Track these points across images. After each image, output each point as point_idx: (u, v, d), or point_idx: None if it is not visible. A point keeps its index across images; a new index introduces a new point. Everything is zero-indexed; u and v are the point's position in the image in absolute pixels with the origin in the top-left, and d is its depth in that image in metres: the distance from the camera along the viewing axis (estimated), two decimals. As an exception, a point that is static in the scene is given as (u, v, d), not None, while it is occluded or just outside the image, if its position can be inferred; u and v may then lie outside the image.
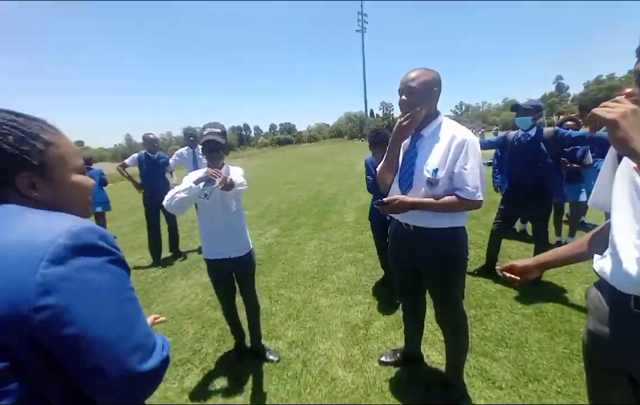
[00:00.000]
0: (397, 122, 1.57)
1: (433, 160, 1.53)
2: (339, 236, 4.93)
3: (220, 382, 2.14)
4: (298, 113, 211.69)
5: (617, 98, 0.75)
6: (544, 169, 2.92)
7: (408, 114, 1.51)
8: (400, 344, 2.27)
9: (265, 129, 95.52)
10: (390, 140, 1.64)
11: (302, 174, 13.59)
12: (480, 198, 1.52)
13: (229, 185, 1.80)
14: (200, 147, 2.01)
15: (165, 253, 4.63)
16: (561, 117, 7.01)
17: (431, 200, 1.53)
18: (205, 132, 1.94)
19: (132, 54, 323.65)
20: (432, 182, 1.53)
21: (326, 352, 2.32)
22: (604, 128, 0.74)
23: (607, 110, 0.73)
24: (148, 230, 4.51)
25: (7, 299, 0.47)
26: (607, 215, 0.94)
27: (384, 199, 1.61)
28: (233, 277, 2.17)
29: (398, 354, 2.17)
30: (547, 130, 2.98)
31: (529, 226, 4.10)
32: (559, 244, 3.95)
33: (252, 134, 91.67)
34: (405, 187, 1.62)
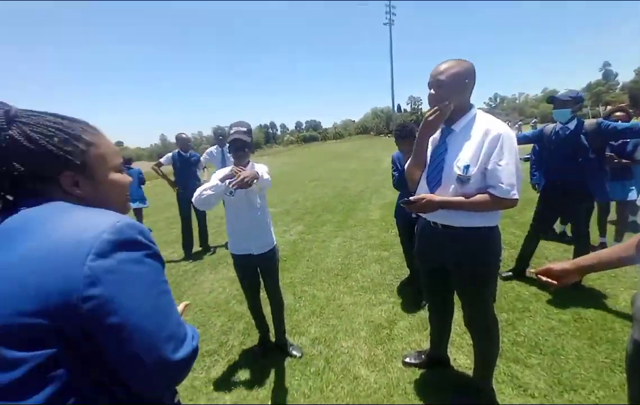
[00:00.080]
0: (424, 117, 1.52)
1: (464, 156, 1.46)
2: (364, 234, 4.88)
3: (245, 374, 2.20)
4: (324, 110, 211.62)
5: None
6: (584, 164, 2.69)
7: (435, 108, 1.46)
8: (426, 345, 2.21)
9: (291, 126, 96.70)
10: (417, 135, 1.59)
11: (328, 171, 13.59)
12: (516, 196, 1.42)
13: (245, 184, 1.82)
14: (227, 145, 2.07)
15: (196, 248, 4.84)
16: (608, 107, 6.43)
17: (461, 199, 1.46)
18: (231, 131, 2.00)
19: (168, 59, 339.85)
20: (462, 179, 1.46)
21: (349, 350, 2.31)
22: None
23: None
24: (181, 226, 4.73)
25: (60, 289, 0.50)
26: None
27: (411, 198, 1.56)
28: (258, 272, 2.22)
29: (423, 356, 2.12)
30: (589, 122, 2.73)
31: (568, 226, 3.82)
32: (602, 246, 3.64)
33: (279, 132, 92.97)
34: (434, 184, 1.56)
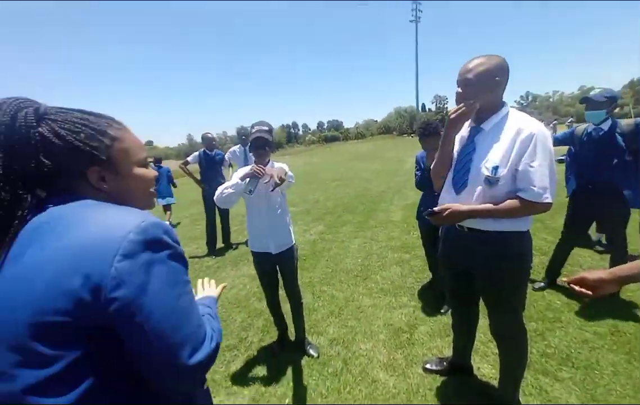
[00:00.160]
0: (448, 115, 1.47)
1: (494, 157, 1.38)
2: (385, 235, 4.80)
3: (263, 371, 2.22)
4: (346, 110, 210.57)
5: None
6: (619, 167, 2.49)
7: (459, 106, 1.40)
8: (448, 352, 2.14)
9: (313, 126, 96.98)
10: (442, 134, 1.54)
11: (349, 171, 13.51)
12: (548, 200, 1.33)
13: (280, 179, 1.82)
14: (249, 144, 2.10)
15: (219, 244, 4.97)
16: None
17: (489, 206, 1.39)
18: (253, 130, 2.03)
19: (194, 62, 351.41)
20: (491, 181, 1.38)
21: (367, 353, 2.28)
22: None
23: None
24: (206, 223, 4.87)
25: (90, 288, 0.52)
26: None
27: (435, 208, 1.50)
28: (276, 270, 2.24)
29: (445, 363, 2.04)
30: (626, 121, 2.52)
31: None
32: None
33: (300, 132, 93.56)
34: (459, 185, 1.49)
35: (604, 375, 1.91)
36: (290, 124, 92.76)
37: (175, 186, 6.80)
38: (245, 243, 5.05)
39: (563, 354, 2.11)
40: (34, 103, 0.61)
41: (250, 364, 2.30)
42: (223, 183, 2.09)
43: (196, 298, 0.92)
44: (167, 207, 6.58)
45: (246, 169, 1.96)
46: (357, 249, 4.36)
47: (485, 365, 2.06)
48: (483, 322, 1.85)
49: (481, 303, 1.70)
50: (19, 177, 0.57)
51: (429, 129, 2.43)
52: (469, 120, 1.51)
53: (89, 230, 0.55)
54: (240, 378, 2.18)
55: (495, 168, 1.37)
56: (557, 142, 3.11)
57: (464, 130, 1.56)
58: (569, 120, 21.45)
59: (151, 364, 0.57)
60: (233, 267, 4.19)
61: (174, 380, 0.59)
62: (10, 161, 0.57)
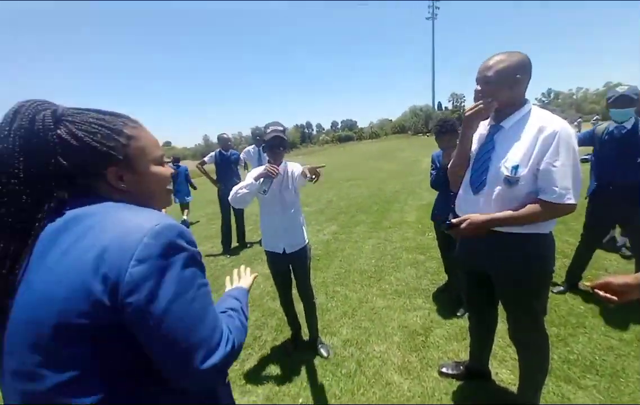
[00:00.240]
0: (465, 113, 1.43)
1: (514, 156, 1.34)
2: (399, 236, 4.74)
3: (276, 370, 2.24)
4: (360, 109, 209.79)
5: None
6: None
7: (476, 104, 1.37)
8: (464, 356, 2.09)
9: (327, 126, 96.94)
10: (460, 132, 1.50)
11: (363, 171, 13.42)
12: (571, 201, 1.27)
13: (316, 174, 1.87)
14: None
15: (234, 244, 5.04)
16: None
17: (509, 213, 1.34)
18: (268, 130, 2.05)
19: (209, 64, 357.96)
20: (510, 181, 1.34)
21: (381, 355, 2.26)
22: None
23: None
24: (221, 222, 4.95)
25: (109, 292, 0.53)
26: None
27: (453, 220, 1.46)
28: (290, 269, 2.25)
29: (461, 367, 2.00)
30: None
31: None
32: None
33: (314, 132, 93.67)
34: (477, 185, 1.45)
35: (629, 383, 1.83)
36: (304, 124, 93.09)
37: (194, 188, 7.02)
38: (260, 242, 5.09)
39: (587, 360, 2.02)
40: (52, 105, 0.62)
41: (264, 363, 2.32)
42: (238, 182, 2.11)
43: (228, 289, 0.95)
44: (184, 206, 6.81)
45: (260, 169, 1.98)
46: (370, 250, 4.33)
47: (504, 370, 2.00)
48: (501, 326, 1.80)
49: (500, 306, 1.65)
50: (39, 180, 0.58)
51: (446, 126, 2.39)
52: (489, 118, 1.47)
53: (106, 233, 0.56)
54: (254, 377, 2.20)
55: (515, 167, 1.32)
56: (579, 142, 2.97)
57: (484, 128, 1.52)
58: (594, 118, 20.38)
59: (166, 367, 0.58)
60: (247, 266, 4.19)
61: (188, 383, 0.60)
62: (30, 165, 0.57)
